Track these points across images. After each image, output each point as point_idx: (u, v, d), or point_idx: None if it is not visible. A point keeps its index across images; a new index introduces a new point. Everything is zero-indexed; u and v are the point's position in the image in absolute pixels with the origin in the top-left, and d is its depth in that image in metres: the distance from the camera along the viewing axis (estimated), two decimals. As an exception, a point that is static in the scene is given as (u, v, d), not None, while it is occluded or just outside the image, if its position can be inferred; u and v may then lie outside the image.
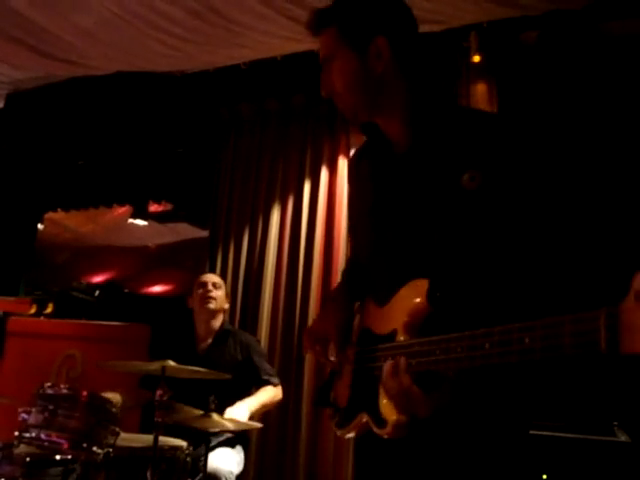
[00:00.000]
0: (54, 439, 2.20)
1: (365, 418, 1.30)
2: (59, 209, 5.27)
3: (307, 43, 3.34)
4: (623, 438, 2.28)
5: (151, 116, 4.31)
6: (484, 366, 1.02)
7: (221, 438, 2.87)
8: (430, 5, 2.97)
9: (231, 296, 3.80)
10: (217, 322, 3.18)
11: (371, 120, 1.41)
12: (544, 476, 2.23)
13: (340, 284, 1.65)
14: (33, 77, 3.95)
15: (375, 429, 1.24)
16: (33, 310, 4.52)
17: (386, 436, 1.20)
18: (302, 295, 3.65)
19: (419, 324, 1.22)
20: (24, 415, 2.28)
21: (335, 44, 1.30)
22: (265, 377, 3.04)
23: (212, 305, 3.13)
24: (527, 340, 0.92)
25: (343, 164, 3.77)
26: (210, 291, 3.14)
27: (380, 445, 1.33)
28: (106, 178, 4.84)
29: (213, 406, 2.55)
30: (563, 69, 3.28)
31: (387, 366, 1.18)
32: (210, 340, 3.14)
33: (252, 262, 3.86)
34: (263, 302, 3.73)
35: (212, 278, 3.26)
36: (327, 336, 1.45)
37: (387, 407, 1.21)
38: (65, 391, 2.29)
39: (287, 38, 3.14)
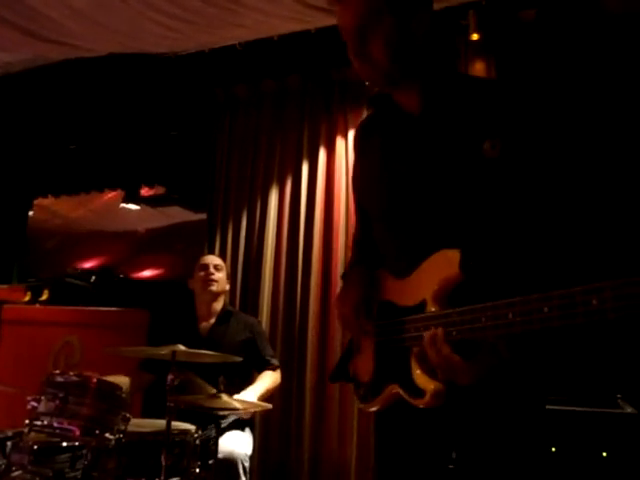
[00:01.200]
0: (66, 426, 2.19)
1: (396, 389, 1.31)
2: (49, 195, 5.19)
3: (305, 22, 3.31)
4: (629, 410, 2.32)
5: (144, 98, 4.24)
6: (526, 332, 1.04)
7: (230, 420, 2.88)
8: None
9: (231, 279, 3.79)
10: (219, 304, 3.19)
11: (388, 91, 1.41)
12: (553, 449, 2.27)
13: (355, 257, 1.65)
14: (22, 59, 3.85)
15: (410, 400, 1.25)
16: (28, 297, 4.48)
17: (423, 405, 1.21)
18: (303, 276, 3.65)
19: (450, 293, 1.23)
20: (33, 403, 2.26)
21: (378, 10, 1.27)
22: (267, 358, 3.07)
23: (214, 287, 3.13)
24: (594, 301, 0.93)
25: (341, 144, 3.76)
26: (212, 274, 3.14)
27: (402, 416, 1.36)
28: (97, 162, 4.77)
29: (222, 387, 2.56)
30: (562, 46, 3.27)
31: (427, 336, 1.19)
32: (212, 321, 3.15)
33: (251, 244, 3.85)
34: (263, 284, 3.72)
35: (213, 260, 3.25)
36: (347, 313, 1.46)
37: (422, 377, 1.23)
38: (75, 378, 2.28)
39: (287, 17, 3.10)
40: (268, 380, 2.98)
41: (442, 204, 1.31)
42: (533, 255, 1.25)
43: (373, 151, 1.48)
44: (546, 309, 0.99)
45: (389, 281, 1.43)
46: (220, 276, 3.18)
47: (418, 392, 1.22)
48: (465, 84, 1.38)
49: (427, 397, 1.19)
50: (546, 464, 1.33)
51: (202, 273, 3.16)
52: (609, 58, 3.16)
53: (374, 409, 1.43)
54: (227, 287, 3.30)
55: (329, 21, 3.29)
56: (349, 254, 3.53)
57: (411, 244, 1.36)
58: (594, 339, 2.73)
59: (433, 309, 1.24)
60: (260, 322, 3.45)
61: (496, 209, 1.27)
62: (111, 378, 2.54)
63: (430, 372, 1.21)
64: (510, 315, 1.05)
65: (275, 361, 3.10)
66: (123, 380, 2.75)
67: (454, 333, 1.15)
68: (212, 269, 3.16)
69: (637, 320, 0.90)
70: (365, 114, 3.72)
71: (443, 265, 1.23)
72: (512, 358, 1.19)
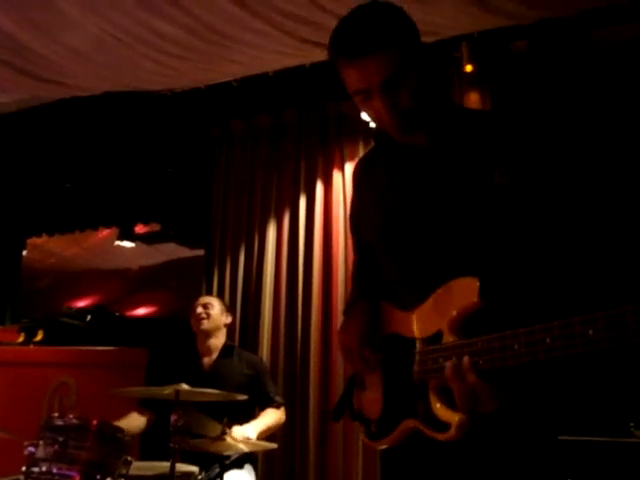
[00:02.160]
0: (65, 472, 2.12)
1: (413, 424, 1.28)
2: (43, 233, 5.15)
3: (300, 57, 3.34)
4: (644, 439, 2.28)
5: (140, 136, 4.26)
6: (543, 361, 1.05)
7: (231, 459, 2.80)
8: (424, 17, 2.98)
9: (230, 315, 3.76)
10: (218, 340, 3.19)
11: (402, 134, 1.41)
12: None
13: (355, 291, 1.63)
14: (18, 100, 3.86)
15: (432, 434, 1.22)
16: (21, 338, 4.39)
17: (447, 439, 1.18)
18: (303, 311, 3.61)
19: (465, 323, 1.21)
20: (31, 448, 2.19)
21: (401, 63, 1.27)
22: (271, 395, 3.05)
23: (204, 325, 3.14)
24: (590, 332, 0.95)
25: (338, 177, 3.76)
26: (200, 313, 3.18)
27: (410, 452, 1.34)
28: (92, 200, 4.77)
29: (226, 429, 2.50)
30: (553, 77, 3.32)
31: (449, 365, 1.16)
32: (215, 356, 3.13)
33: (250, 280, 3.81)
34: (263, 320, 3.68)
35: (202, 300, 3.28)
36: (351, 347, 1.43)
37: (444, 410, 1.20)
38: (75, 421, 2.22)
39: (281, 53, 3.12)
40: (269, 417, 2.95)
41: (454, 234, 1.31)
42: (547, 282, 1.24)
43: (378, 185, 1.48)
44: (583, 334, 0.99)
45: (394, 314, 1.41)
46: (212, 312, 3.19)
47: (441, 426, 1.19)
48: (467, 116, 1.42)
49: (452, 430, 1.17)
50: None
51: (193, 314, 3.21)
52: (599, 88, 3.21)
53: (386, 446, 1.39)
54: (226, 321, 3.26)
55: (324, 56, 3.32)
56: (349, 287, 3.53)
57: (420, 275, 1.35)
58: (599, 368, 2.70)
59: (451, 339, 1.21)
60: (262, 359, 3.41)
61: (509, 236, 1.28)
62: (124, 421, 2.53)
63: (451, 404, 1.19)
64: (548, 340, 1.03)
65: (279, 398, 3.08)
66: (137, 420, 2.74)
67: (481, 362, 1.13)
68: (200, 309, 3.20)
69: (630, 350, 0.90)
70: (362, 147, 3.75)
71: (460, 293, 1.21)
72: (529, 387, 1.18)
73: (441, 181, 1.34)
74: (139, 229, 5.40)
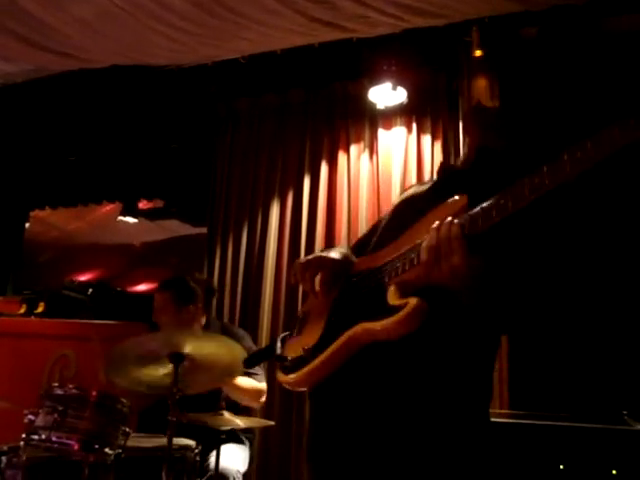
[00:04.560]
0: (65, 441, 2.14)
1: (360, 329, 1.22)
2: (46, 206, 5.15)
3: (309, 36, 3.32)
4: (638, 427, 2.30)
5: (145, 111, 4.23)
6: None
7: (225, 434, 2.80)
8: (435, -1, 2.96)
9: (230, 294, 3.77)
10: (197, 324, 3.01)
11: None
12: (561, 466, 2.24)
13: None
14: (24, 70, 3.83)
15: (382, 324, 1.16)
16: (23, 310, 4.42)
17: (397, 324, 1.13)
18: (303, 290, 3.62)
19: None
20: (31, 417, 2.21)
21: None
22: (250, 371, 2.80)
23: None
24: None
25: (343, 158, 3.76)
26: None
27: (338, 392, 1.29)
28: (96, 174, 4.75)
29: (224, 404, 2.52)
30: (563, 65, 3.29)
31: (436, 226, 1.13)
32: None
33: (252, 258, 3.82)
34: (264, 299, 3.69)
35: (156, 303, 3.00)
36: (321, 265, 1.42)
37: (399, 298, 1.16)
38: (74, 391, 2.23)
39: (290, 31, 3.10)
40: (245, 381, 2.76)
41: None
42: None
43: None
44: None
45: (364, 258, 1.40)
46: (162, 319, 2.95)
47: (393, 310, 1.15)
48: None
49: (407, 308, 1.12)
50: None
51: None
52: (610, 75, 3.18)
53: (313, 371, 1.29)
54: (187, 312, 2.95)
55: (333, 36, 3.31)
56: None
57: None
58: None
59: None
60: (248, 335, 3.12)
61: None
62: None
63: (408, 294, 1.16)
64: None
65: (258, 378, 2.85)
66: None
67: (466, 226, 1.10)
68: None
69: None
70: (367, 129, 3.73)
71: (448, 208, 1.17)
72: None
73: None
74: (142, 205, 5.39)
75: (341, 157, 3.76)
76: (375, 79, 3.47)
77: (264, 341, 3.53)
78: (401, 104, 3.59)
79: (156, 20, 2.92)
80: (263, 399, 2.88)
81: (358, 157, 3.73)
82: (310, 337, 1.36)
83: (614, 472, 2.11)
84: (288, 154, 3.90)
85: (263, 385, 2.86)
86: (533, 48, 3.39)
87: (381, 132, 3.69)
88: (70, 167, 4.77)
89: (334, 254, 1.45)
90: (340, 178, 3.73)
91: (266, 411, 3.34)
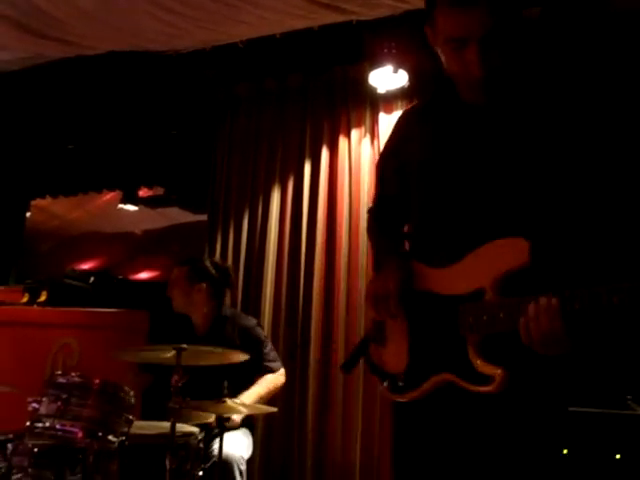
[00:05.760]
0: (68, 428, 2.15)
1: (446, 378, 1.31)
2: (47, 195, 5.14)
3: (309, 20, 3.27)
4: (641, 411, 2.29)
5: (144, 97, 4.20)
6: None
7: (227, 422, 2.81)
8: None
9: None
10: (206, 308, 3.05)
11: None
12: (565, 451, 2.23)
13: (383, 245, 1.64)
14: (21, 58, 3.80)
15: (471, 387, 1.26)
16: (25, 299, 4.41)
17: (488, 392, 1.23)
18: (305, 276, 3.61)
19: (508, 282, 1.24)
20: (34, 405, 2.21)
21: (503, 20, 1.29)
22: (265, 363, 2.96)
23: (175, 309, 3.06)
24: None
25: (344, 143, 3.73)
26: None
27: (425, 410, 1.38)
28: (96, 162, 4.74)
29: (226, 391, 2.52)
30: (566, 45, 3.25)
31: (532, 308, 1.16)
32: (208, 326, 3.07)
33: (253, 245, 3.81)
34: (265, 285, 3.68)
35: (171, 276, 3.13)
36: (387, 294, 1.43)
37: (484, 364, 1.25)
38: (77, 379, 2.23)
39: (290, 14, 3.06)
40: (263, 386, 2.89)
41: (504, 193, 1.32)
42: (594, 248, 1.27)
43: (425, 137, 1.49)
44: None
45: (425, 271, 1.42)
46: (174, 296, 3.05)
47: (481, 379, 1.24)
48: (526, 74, 1.42)
49: (496, 383, 1.22)
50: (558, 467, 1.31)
51: None
52: (615, 55, 3.14)
53: (409, 399, 1.41)
54: (198, 292, 3.03)
55: (333, 18, 3.26)
56: (352, 254, 3.52)
57: (460, 233, 1.36)
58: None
59: (494, 297, 1.24)
60: (258, 325, 3.22)
61: (559, 200, 1.30)
62: None
63: (491, 359, 1.24)
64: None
65: (274, 364, 2.99)
66: None
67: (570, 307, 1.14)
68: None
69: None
70: (368, 113, 3.70)
71: (509, 252, 1.23)
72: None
73: (496, 140, 1.36)
74: (142, 193, 5.37)
75: (342, 142, 3.73)
76: (376, 62, 3.43)
77: (267, 328, 3.52)
78: (402, 87, 3.55)
79: (152, 4, 2.88)
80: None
81: (359, 142, 3.70)
82: (395, 355, 1.45)
83: (618, 456, 2.11)
84: (288, 139, 3.87)
85: (281, 378, 3.00)
86: (535, 28, 3.34)
87: (382, 116, 3.66)
88: (70, 155, 4.74)
89: (392, 278, 1.45)
90: (341, 163, 3.71)
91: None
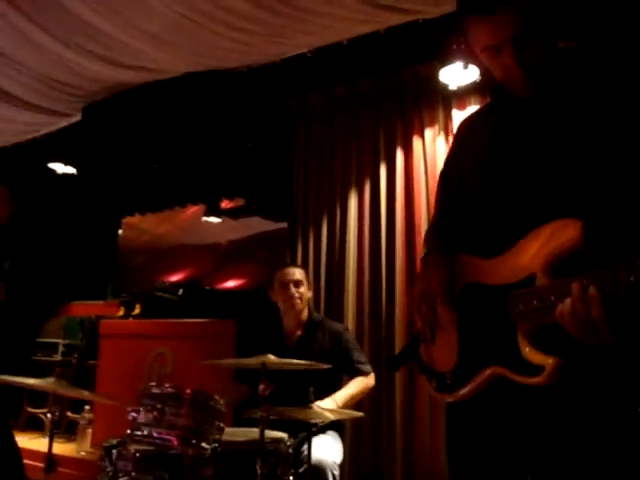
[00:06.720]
0: (165, 436, 2.25)
1: (496, 371, 1.25)
2: (136, 213, 5.42)
3: (374, 24, 3.27)
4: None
5: (220, 114, 4.32)
6: None
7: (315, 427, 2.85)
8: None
9: (314, 286, 3.79)
10: (304, 314, 3.15)
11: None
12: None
13: (433, 241, 1.62)
14: (106, 87, 4.03)
15: (521, 379, 1.19)
16: (122, 312, 4.68)
17: (538, 383, 1.15)
18: (387, 279, 3.60)
19: (560, 265, 1.17)
20: (133, 414, 2.34)
21: (531, 17, 1.26)
22: (357, 366, 3.00)
23: (298, 307, 3.07)
24: None
25: (418, 143, 3.69)
26: (293, 293, 3.06)
27: (477, 410, 1.34)
28: (179, 179, 4.94)
29: (313, 397, 2.55)
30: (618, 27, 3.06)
31: (576, 292, 1.09)
32: (299, 332, 3.12)
33: (333, 250, 3.84)
34: (347, 290, 3.70)
35: (293, 276, 3.11)
36: (432, 294, 1.42)
37: (535, 353, 1.17)
38: (170, 390, 2.33)
39: (354, 20, 3.07)
40: (354, 387, 2.93)
41: (557, 179, 1.29)
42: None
43: (483, 139, 1.49)
44: None
45: (475, 262, 1.38)
46: (301, 291, 3.09)
47: (532, 370, 1.16)
48: (569, 65, 1.37)
49: (546, 373, 1.13)
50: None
51: (283, 291, 3.09)
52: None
53: (459, 398, 1.36)
54: (310, 294, 3.22)
55: (398, 19, 3.25)
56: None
57: (512, 221, 1.33)
58: None
59: (546, 281, 1.18)
60: (347, 329, 3.31)
61: (612, 186, 1.24)
62: None
63: (543, 348, 1.16)
64: None
65: (366, 367, 3.01)
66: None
67: (607, 289, 1.06)
68: (292, 288, 3.07)
69: None
70: (441, 111, 3.65)
71: (561, 233, 1.16)
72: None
73: (548, 130, 1.33)
74: (224, 204, 5.55)
75: (416, 142, 3.70)
76: (445, 59, 3.37)
77: (351, 330, 3.54)
78: (474, 82, 3.48)
79: (220, 24, 2.98)
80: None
81: (433, 140, 3.65)
82: (444, 352, 1.41)
83: None
84: (362, 144, 3.88)
85: (371, 380, 3.01)
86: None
87: (455, 113, 3.60)
88: (154, 174, 4.97)
89: (435, 275, 1.44)
90: (417, 163, 3.67)
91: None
